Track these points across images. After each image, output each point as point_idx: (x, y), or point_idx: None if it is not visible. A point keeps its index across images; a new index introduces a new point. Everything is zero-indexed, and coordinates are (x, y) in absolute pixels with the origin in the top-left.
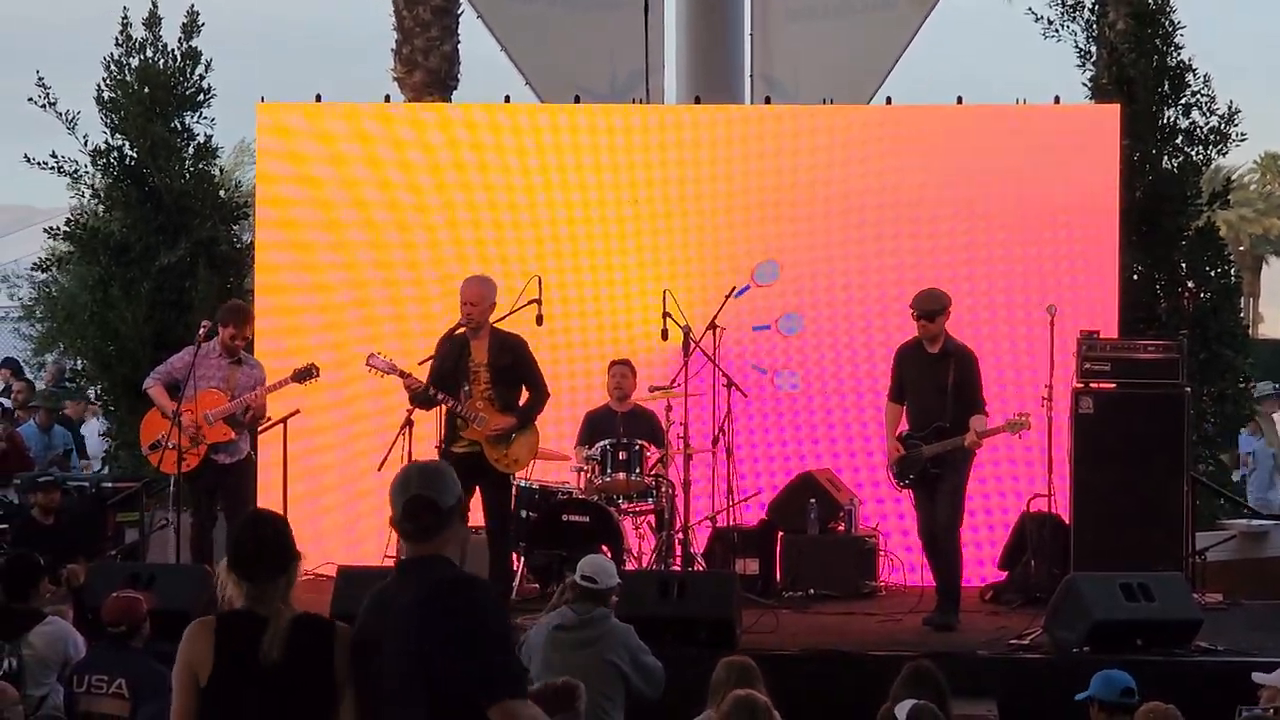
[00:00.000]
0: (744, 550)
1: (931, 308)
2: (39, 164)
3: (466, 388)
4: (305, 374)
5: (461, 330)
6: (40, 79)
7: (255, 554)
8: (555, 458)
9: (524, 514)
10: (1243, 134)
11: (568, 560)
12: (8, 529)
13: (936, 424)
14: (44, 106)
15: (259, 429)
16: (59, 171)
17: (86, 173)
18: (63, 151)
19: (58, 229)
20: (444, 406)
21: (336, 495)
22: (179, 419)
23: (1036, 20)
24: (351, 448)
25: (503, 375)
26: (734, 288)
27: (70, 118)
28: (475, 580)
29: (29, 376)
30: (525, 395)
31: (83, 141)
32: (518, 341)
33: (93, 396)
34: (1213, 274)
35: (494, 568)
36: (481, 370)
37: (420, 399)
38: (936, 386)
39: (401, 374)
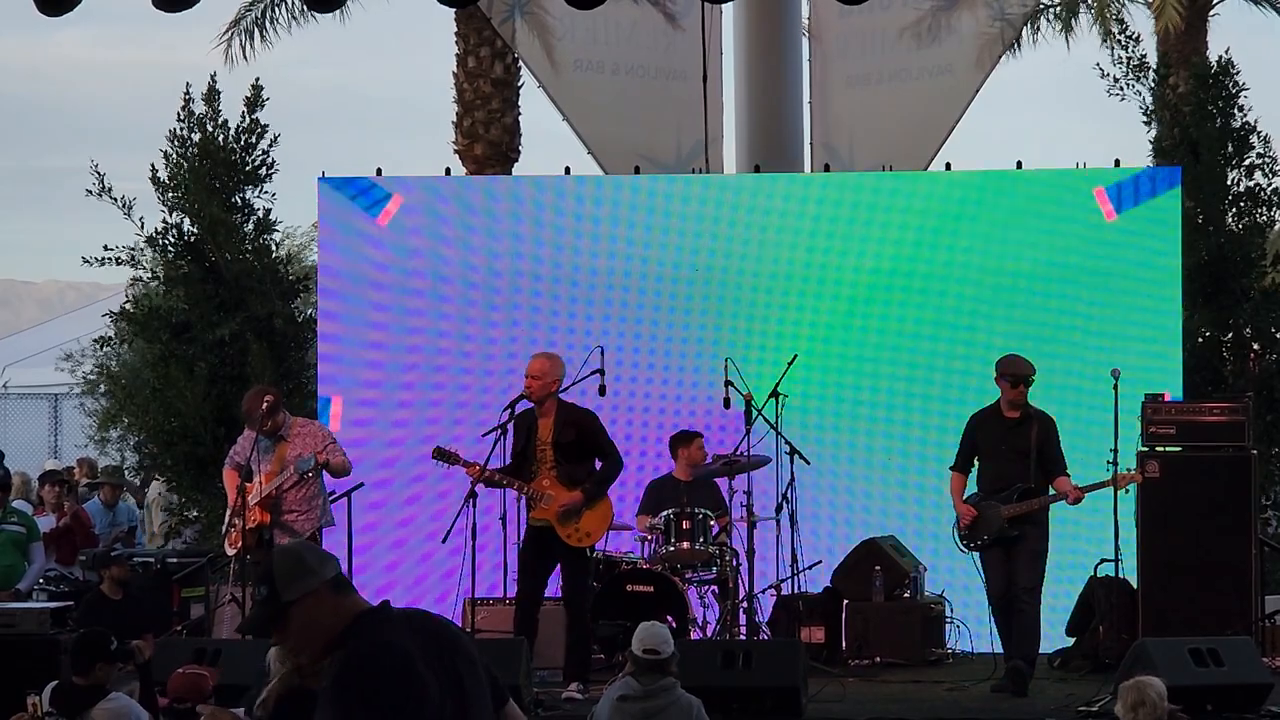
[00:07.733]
0: (809, 619)
1: (1026, 372)
2: (96, 261)
3: (534, 466)
4: (307, 464)
5: (530, 407)
6: (94, 166)
7: None
8: (617, 528)
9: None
10: None
11: (632, 630)
12: (74, 605)
13: (1019, 485)
14: (99, 195)
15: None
16: (116, 263)
17: (144, 255)
18: (121, 233)
19: (118, 311)
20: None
21: (401, 567)
22: (242, 499)
23: (1103, 76)
24: (416, 520)
25: (568, 451)
26: (795, 355)
27: (126, 203)
28: None
29: (92, 456)
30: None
31: (139, 224)
32: (585, 415)
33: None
34: (1278, 335)
35: (570, 637)
36: (547, 448)
37: (485, 483)
38: (1018, 450)
39: (465, 464)
